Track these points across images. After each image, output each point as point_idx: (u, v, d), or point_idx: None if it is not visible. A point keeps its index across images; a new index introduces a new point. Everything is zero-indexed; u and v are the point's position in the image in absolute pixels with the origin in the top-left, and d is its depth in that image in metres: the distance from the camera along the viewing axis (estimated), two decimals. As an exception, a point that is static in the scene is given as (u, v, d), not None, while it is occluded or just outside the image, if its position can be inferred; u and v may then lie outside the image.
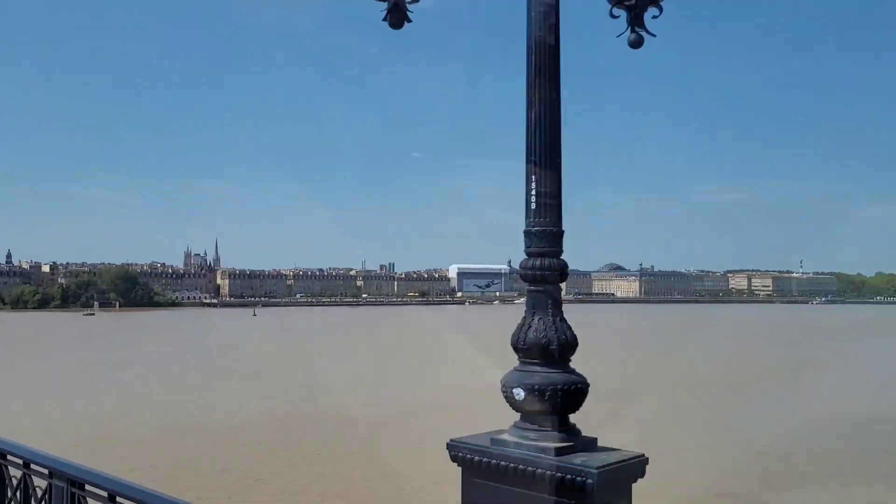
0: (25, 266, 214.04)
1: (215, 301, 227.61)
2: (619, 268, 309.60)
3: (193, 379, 53.94)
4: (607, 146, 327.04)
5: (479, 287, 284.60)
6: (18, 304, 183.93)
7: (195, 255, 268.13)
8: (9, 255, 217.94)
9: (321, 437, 32.78)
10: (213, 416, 39.25)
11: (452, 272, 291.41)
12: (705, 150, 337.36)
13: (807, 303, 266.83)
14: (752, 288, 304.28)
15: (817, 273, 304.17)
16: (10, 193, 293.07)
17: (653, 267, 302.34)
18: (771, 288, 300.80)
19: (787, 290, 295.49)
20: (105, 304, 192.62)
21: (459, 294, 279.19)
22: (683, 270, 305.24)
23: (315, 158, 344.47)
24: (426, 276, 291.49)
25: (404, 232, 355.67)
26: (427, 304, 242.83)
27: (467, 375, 43.21)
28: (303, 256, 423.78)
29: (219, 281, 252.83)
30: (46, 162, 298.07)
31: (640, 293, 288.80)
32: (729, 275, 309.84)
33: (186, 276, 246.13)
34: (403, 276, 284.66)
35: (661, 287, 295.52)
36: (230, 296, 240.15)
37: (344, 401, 42.84)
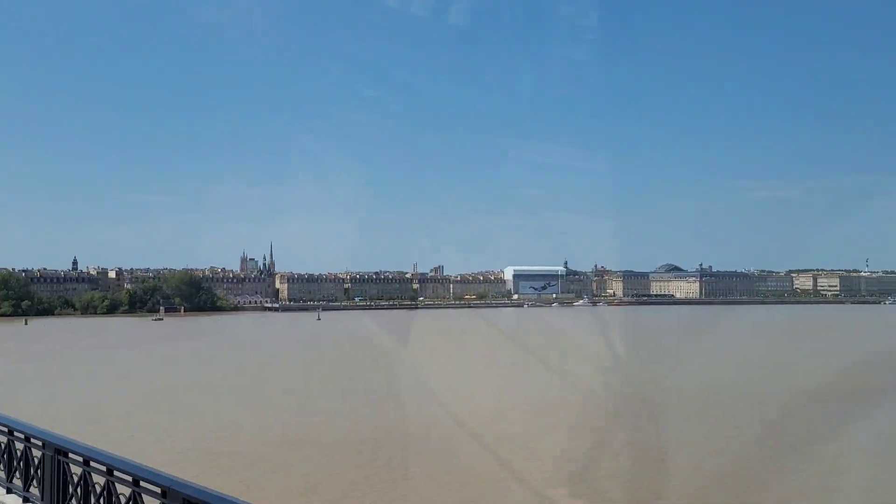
0: (93, 272, 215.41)
1: (276, 305, 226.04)
2: (676, 268, 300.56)
3: (298, 387, 50.23)
4: (662, 144, 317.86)
5: (535, 289, 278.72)
6: (88, 309, 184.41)
7: (250, 259, 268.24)
8: (75, 262, 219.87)
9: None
10: (326, 430, 35.28)
11: (508, 274, 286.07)
12: (763, 146, 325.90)
13: (879, 303, 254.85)
14: (818, 288, 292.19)
15: (887, 272, 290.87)
16: (75, 202, 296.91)
17: (711, 267, 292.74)
18: (838, 288, 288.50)
19: (854, 290, 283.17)
20: (170, 309, 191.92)
21: (516, 296, 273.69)
22: (744, 270, 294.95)
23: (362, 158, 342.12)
24: (481, 278, 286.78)
25: (453, 233, 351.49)
26: (485, 307, 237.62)
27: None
28: (356, 259, 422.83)
29: (278, 285, 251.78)
30: (109, 170, 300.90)
31: (701, 294, 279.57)
32: (793, 274, 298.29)
33: (247, 280, 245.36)
34: (458, 278, 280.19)
35: (723, 288, 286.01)
36: (289, 299, 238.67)
37: (458, 415, 38.50)
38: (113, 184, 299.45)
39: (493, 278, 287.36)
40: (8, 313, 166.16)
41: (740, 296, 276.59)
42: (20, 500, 9.35)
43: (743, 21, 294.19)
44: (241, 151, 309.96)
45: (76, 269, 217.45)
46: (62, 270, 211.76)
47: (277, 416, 39.87)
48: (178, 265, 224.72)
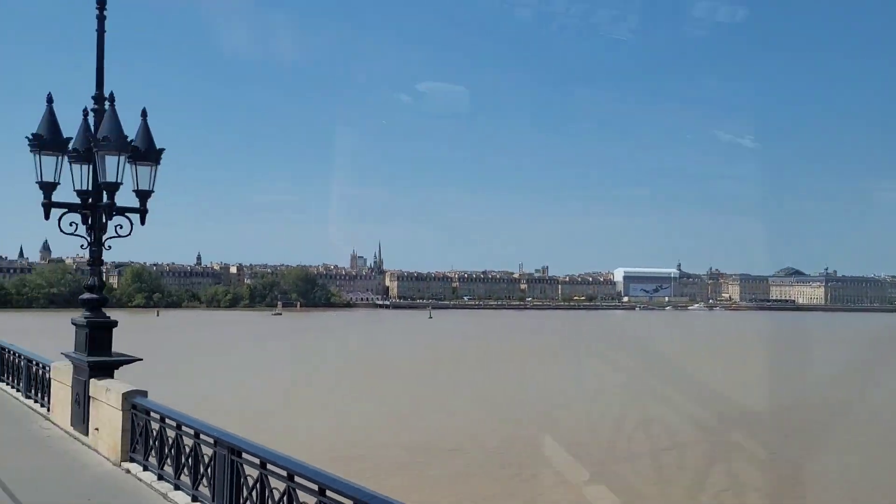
0: (216, 267, 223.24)
1: (387, 302, 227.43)
2: (798, 272, 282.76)
3: (432, 387, 47.66)
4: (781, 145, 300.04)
5: (647, 292, 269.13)
6: (213, 302, 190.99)
7: (359, 257, 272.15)
8: (199, 258, 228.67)
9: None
10: (463, 435, 32.25)
11: (618, 276, 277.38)
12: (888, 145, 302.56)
13: None
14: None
15: None
16: (200, 201, 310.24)
17: (836, 272, 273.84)
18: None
19: None
20: (287, 304, 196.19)
21: (626, 299, 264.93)
22: (875, 276, 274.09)
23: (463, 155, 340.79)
24: (590, 279, 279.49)
25: (559, 233, 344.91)
26: (594, 309, 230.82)
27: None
28: (462, 258, 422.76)
29: (387, 283, 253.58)
30: (229, 168, 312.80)
31: (826, 301, 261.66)
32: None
33: (358, 277, 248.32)
34: (566, 279, 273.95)
35: (851, 294, 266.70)
36: (398, 297, 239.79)
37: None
38: (237, 185, 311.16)
39: (602, 280, 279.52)
40: (141, 305, 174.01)
41: (871, 303, 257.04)
42: (189, 497, 8.92)
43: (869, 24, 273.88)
44: (349, 154, 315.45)
45: (200, 264, 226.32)
46: (188, 265, 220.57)
47: (413, 418, 37.29)
48: (293, 262, 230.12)
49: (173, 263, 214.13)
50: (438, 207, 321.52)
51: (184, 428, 9.15)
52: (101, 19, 12.25)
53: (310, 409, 38.49)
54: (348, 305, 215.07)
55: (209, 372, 53.68)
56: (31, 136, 11.75)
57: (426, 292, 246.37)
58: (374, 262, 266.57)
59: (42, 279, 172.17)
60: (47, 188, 11.90)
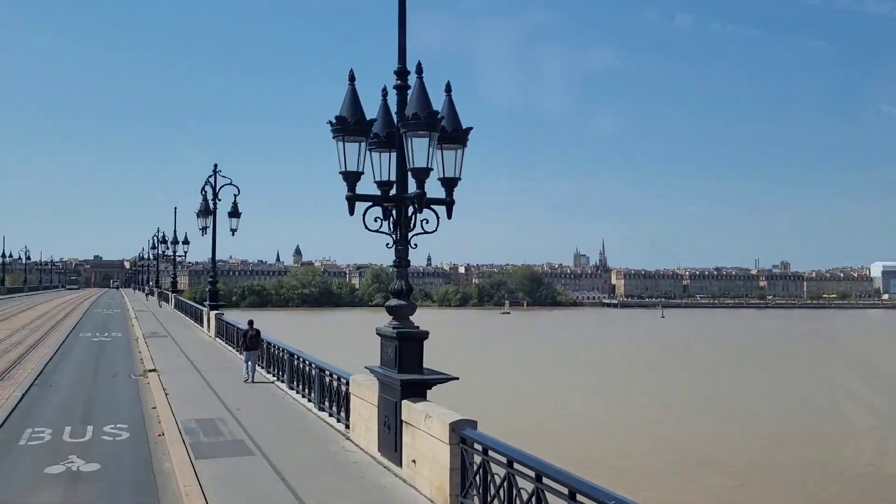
0: (445, 268, 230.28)
1: (615, 301, 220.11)
2: None
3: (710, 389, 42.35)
4: None
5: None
6: (444, 301, 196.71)
7: (582, 255, 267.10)
8: (429, 258, 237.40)
9: None
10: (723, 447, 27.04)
11: (875, 271, 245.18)
12: None
13: None
14: None
15: None
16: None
17: None
18: None
19: None
20: (514, 303, 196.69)
21: (885, 297, 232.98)
22: None
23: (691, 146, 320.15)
24: (841, 275, 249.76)
25: (800, 225, 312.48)
26: (847, 308, 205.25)
27: None
28: (691, 255, 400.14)
29: (613, 281, 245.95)
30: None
31: None
32: None
33: (583, 276, 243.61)
34: (813, 275, 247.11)
35: None
36: (625, 295, 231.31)
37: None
38: (462, 186, 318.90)
39: (855, 275, 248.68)
40: (380, 304, 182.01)
41: None
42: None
43: None
44: (565, 149, 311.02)
45: (430, 264, 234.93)
46: (420, 266, 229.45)
47: (698, 425, 33.03)
48: (517, 261, 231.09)
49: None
50: (663, 202, 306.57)
51: (545, 480, 6.74)
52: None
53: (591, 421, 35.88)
54: (574, 304, 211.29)
55: (479, 374, 52.60)
56: (333, 121, 10.17)
57: (654, 291, 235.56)
58: (599, 261, 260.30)
59: (296, 280, 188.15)
60: (351, 178, 10.25)
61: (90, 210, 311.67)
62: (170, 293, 57.56)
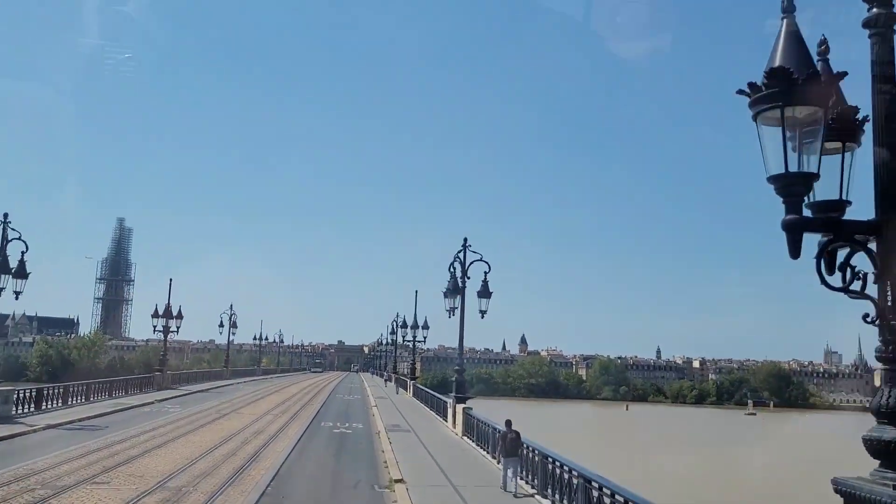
0: (678, 361, 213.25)
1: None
2: None
3: None
4: None
5: None
6: (678, 398, 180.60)
7: (833, 352, 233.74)
8: (658, 351, 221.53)
9: None
10: None
11: None
12: None
13: None
14: None
15: None
16: (657, 294, 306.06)
17: None
18: None
19: None
20: (758, 403, 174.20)
21: None
22: None
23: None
24: None
25: None
26: None
27: None
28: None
29: (877, 382, 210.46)
30: (684, 264, 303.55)
31: None
32: None
33: (839, 375, 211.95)
34: None
35: None
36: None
37: None
38: (690, 277, 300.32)
39: None
40: (608, 398, 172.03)
41: None
42: None
43: None
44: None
45: (660, 357, 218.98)
46: (650, 359, 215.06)
47: None
48: (757, 356, 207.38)
49: (636, 357, 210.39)
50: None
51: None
52: None
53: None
54: (831, 407, 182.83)
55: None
56: (761, 81, 4.80)
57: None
58: (857, 358, 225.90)
59: (523, 370, 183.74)
60: (797, 184, 4.78)
61: (335, 296, 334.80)
62: (408, 380, 54.97)
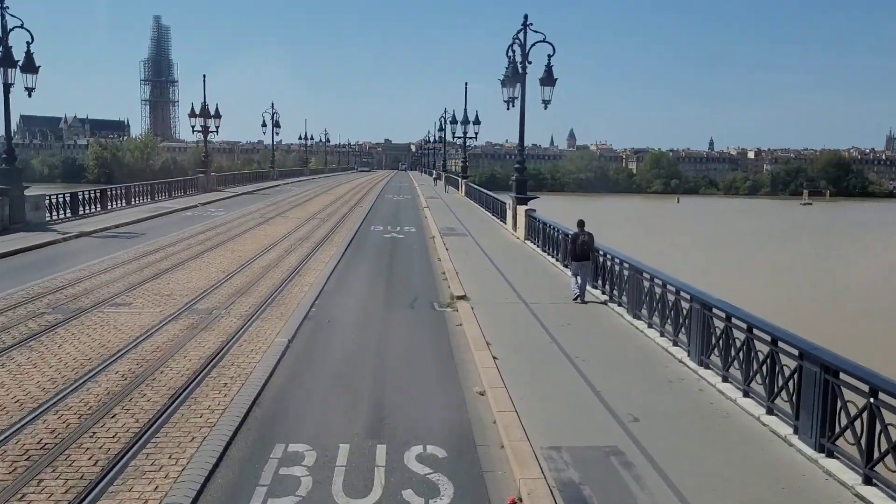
0: (732, 152, 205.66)
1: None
2: None
3: None
4: None
5: None
6: (731, 189, 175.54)
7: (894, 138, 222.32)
8: (711, 142, 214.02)
9: None
10: None
11: None
12: None
13: None
14: None
15: None
16: (711, 83, 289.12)
17: None
18: None
19: None
20: (814, 193, 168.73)
21: None
22: None
23: None
24: None
25: None
26: None
27: None
28: None
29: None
30: (741, 50, 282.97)
31: None
32: None
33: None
34: None
35: None
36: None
37: None
38: (746, 63, 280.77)
39: None
40: (658, 191, 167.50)
41: None
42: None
43: None
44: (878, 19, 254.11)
45: (713, 149, 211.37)
46: (703, 151, 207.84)
47: None
48: (814, 146, 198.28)
49: (688, 149, 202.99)
50: None
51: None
52: None
53: None
54: (891, 195, 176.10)
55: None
56: None
57: None
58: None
59: (572, 165, 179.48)
60: None
61: (382, 94, 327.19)
62: (459, 179, 52.05)
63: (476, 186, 43.29)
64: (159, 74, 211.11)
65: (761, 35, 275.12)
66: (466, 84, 43.60)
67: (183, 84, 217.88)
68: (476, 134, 46.35)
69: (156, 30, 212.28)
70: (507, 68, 24.70)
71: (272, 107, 67.87)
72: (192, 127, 45.59)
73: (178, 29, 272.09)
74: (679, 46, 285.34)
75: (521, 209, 23.26)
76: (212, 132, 46.95)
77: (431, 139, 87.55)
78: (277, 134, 70.96)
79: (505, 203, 27.57)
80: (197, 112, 45.00)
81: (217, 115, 45.84)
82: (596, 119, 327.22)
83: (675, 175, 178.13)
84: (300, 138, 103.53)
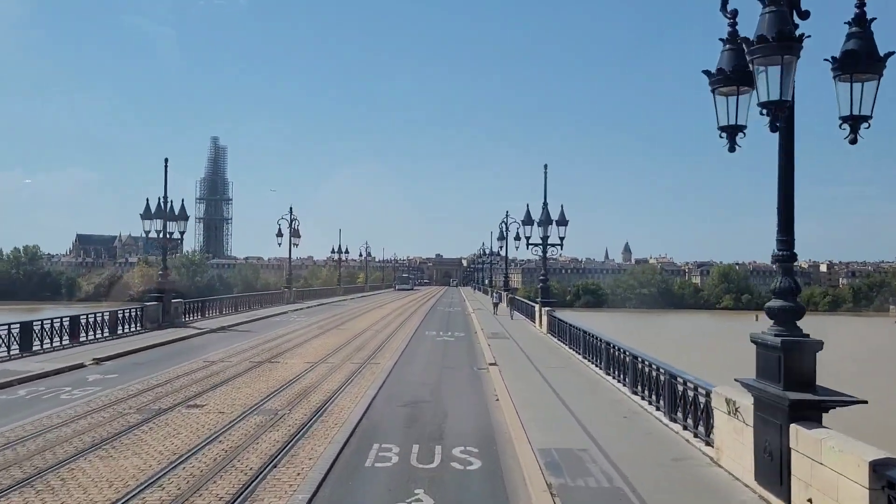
0: (803, 265, 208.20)
1: None
2: None
3: None
4: None
5: None
6: (808, 305, 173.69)
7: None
8: (773, 256, 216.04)
9: None
10: None
11: None
12: None
13: None
14: None
15: None
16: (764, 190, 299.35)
17: None
18: None
19: None
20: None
21: None
22: None
23: None
24: None
25: None
26: None
27: None
28: None
29: None
30: (806, 164, 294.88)
31: None
32: None
33: None
34: None
35: None
36: None
37: None
38: (806, 176, 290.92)
39: None
40: (730, 307, 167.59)
41: None
42: None
43: None
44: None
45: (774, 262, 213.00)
46: (771, 264, 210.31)
47: None
48: (889, 258, 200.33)
49: (755, 262, 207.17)
50: None
51: None
52: None
53: None
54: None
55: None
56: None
57: None
58: None
59: (634, 280, 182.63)
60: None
61: (433, 210, 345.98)
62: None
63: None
64: (214, 192, 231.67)
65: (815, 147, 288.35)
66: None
67: (237, 201, 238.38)
68: (561, 239, 42.87)
69: (213, 150, 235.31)
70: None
71: (290, 212, 62.70)
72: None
73: (235, 149, 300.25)
74: (728, 156, 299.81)
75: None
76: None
77: (489, 249, 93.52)
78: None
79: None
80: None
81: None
82: (650, 232, 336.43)
83: (745, 289, 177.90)
84: (335, 251, 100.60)
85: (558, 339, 28.33)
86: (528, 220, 33.92)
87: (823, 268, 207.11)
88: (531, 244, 32.24)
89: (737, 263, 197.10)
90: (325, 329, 35.80)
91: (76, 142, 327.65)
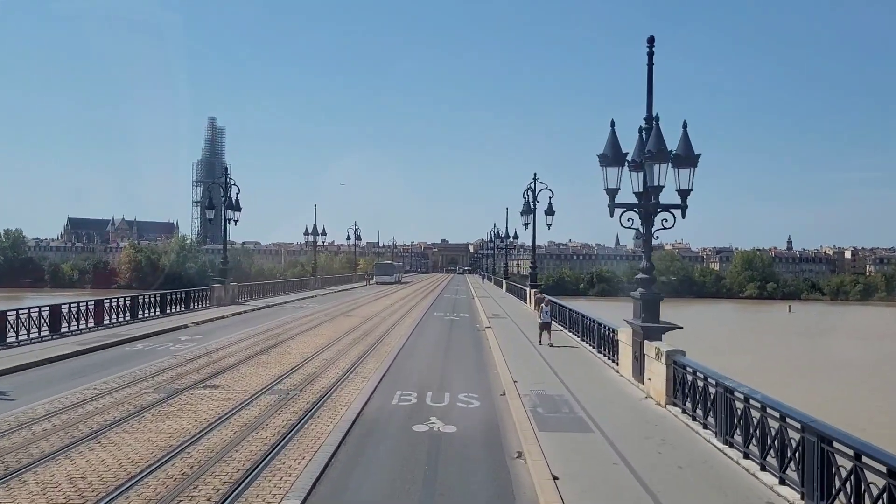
0: (828, 251, 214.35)
1: None
2: None
3: None
4: None
5: None
6: (838, 294, 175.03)
7: None
8: (789, 242, 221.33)
9: None
10: None
11: None
12: None
13: None
14: None
15: None
16: (784, 182, 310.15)
17: None
18: None
19: None
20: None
21: None
22: None
23: None
24: None
25: None
26: None
27: None
28: None
29: None
30: (809, 150, 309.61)
31: None
32: None
33: None
34: None
35: None
36: None
37: None
38: (811, 164, 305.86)
39: None
40: (754, 295, 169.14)
41: None
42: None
43: None
44: None
45: (790, 247, 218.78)
46: (796, 250, 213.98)
47: None
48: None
49: (776, 248, 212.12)
50: None
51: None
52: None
53: None
54: None
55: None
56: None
57: None
58: None
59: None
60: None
61: (439, 196, 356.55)
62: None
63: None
64: (211, 175, 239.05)
65: (822, 133, 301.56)
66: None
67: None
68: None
69: (210, 131, 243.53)
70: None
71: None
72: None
73: (234, 132, 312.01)
74: (743, 140, 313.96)
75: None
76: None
77: (485, 245, 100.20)
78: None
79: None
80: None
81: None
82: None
83: (770, 277, 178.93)
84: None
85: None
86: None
87: (848, 254, 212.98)
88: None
89: (757, 249, 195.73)
90: (354, 307, 45.51)
91: (69, 124, 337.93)
